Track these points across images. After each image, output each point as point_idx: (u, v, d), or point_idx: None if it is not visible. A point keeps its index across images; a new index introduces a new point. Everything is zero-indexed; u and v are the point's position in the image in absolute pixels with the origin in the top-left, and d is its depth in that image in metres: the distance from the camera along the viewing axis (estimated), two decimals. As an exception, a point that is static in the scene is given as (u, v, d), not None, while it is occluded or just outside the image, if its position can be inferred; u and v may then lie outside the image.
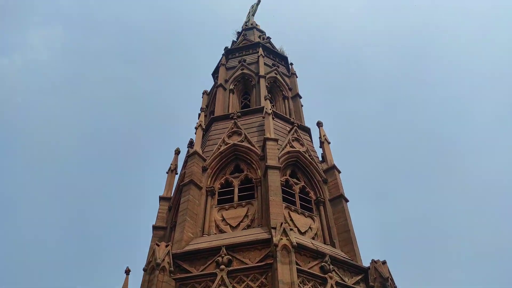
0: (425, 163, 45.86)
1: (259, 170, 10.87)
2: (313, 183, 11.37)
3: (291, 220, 9.81)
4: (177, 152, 13.53)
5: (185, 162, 11.90)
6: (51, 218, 43.39)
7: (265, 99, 13.41)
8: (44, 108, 50.69)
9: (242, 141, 11.80)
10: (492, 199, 41.08)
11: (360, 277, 8.78)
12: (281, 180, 10.39)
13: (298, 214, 10.17)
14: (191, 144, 12.81)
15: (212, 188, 10.73)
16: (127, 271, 9.19)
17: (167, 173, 12.87)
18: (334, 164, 12.08)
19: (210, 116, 14.31)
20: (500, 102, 44.71)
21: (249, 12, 23.64)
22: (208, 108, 15.69)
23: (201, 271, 8.16)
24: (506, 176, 40.21)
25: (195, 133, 12.68)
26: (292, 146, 11.88)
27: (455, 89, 49.10)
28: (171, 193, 12.09)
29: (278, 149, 11.32)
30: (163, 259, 7.97)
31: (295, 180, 11.18)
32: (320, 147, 13.21)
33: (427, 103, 48.98)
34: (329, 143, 13.19)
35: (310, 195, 11.04)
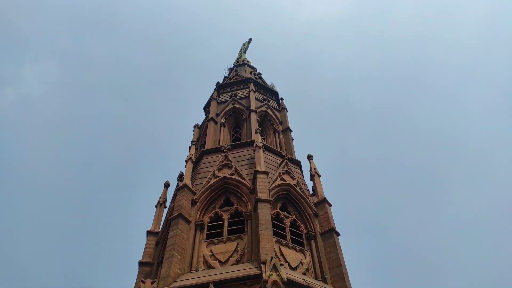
0: (416, 196, 45.95)
1: (249, 204, 10.77)
2: (304, 216, 11.25)
3: (282, 254, 9.60)
4: (167, 185, 13.38)
5: (174, 195, 11.75)
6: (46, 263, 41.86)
7: (256, 133, 13.54)
8: (35, 143, 50.30)
9: (232, 174, 11.76)
10: (484, 232, 40.93)
11: (352, 314, 8.50)
12: (271, 214, 10.27)
13: (289, 248, 9.97)
14: (180, 177, 12.72)
15: (201, 222, 10.54)
16: (110, 311, 8.76)
17: (155, 206, 12.65)
18: (324, 197, 12.03)
19: (201, 150, 14.33)
20: (490, 134, 45.65)
21: (241, 49, 24.40)
22: (199, 141, 15.75)
23: (188, 309, 7.83)
24: (497, 209, 40.42)
25: (185, 166, 12.61)
26: (282, 179, 11.85)
27: (444, 122, 50.17)
28: (159, 227, 11.83)
29: (269, 182, 11.29)
30: (148, 297, 7.66)
31: (285, 213, 11.06)
32: (311, 180, 13.20)
33: (417, 136, 49.83)
34: (319, 176, 13.21)
35: (301, 228, 10.89)
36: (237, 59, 23.26)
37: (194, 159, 13.03)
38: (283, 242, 9.98)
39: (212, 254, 9.59)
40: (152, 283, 7.97)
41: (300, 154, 14.93)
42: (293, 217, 11.08)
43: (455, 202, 42.81)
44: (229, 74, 20.76)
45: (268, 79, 20.01)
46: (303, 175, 13.50)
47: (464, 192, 43.39)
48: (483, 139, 45.83)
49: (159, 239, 11.18)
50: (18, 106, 51.63)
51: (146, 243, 11.09)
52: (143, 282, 7.96)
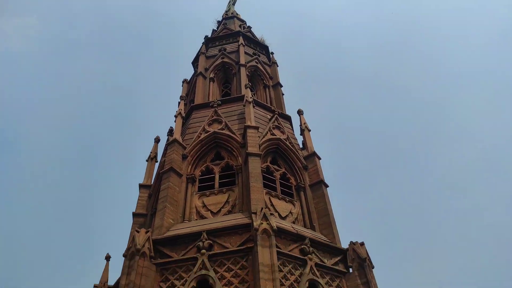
0: (407, 150, 46.93)
1: (240, 158, 10.91)
2: (293, 169, 11.49)
3: (272, 205, 9.92)
4: (157, 140, 13.39)
5: (165, 150, 11.80)
6: (40, 215, 42.52)
7: (246, 88, 13.41)
8: (17, 100, 49.09)
9: (222, 129, 11.78)
10: (475, 187, 42.58)
11: (339, 258, 8.98)
12: (261, 167, 10.46)
13: (279, 199, 10.28)
14: (171, 132, 12.70)
15: (193, 175, 10.70)
16: (107, 257, 9.10)
17: (146, 161, 12.74)
18: (314, 151, 12.24)
19: (190, 105, 14.20)
20: (483, 94, 45.84)
21: (230, 2, 23.44)
22: (188, 96, 15.56)
23: (182, 255, 8.17)
24: (489, 163, 41.81)
25: (175, 121, 12.58)
26: (273, 134, 11.95)
27: (437, 78, 50.17)
28: (151, 181, 11.99)
29: (259, 137, 11.38)
30: (143, 245, 7.93)
31: (276, 166, 11.27)
32: (301, 134, 13.35)
33: (409, 91, 49.90)
34: (309, 130, 13.34)
35: (290, 181, 11.17)
36: (226, 11, 22.41)
37: (183, 114, 12.96)
38: (273, 194, 10.27)
39: (204, 205, 9.85)
40: (146, 232, 8.22)
41: (290, 109, 14.96)
42: (283, 170, 11.31)
43: (449, 157, 43.96)
44: (217, 28, 20.10)
45: (258, 32, 19.47)
46: (293, 130, 13.60)
47: (452, 150, 44.52)
48: (471, 101, 46.20)
49: (151, 192, 11.39)
50: (-1, 61, 49.56)
51: (139, 196, 11.30)
52: (138, 232, 8.20)
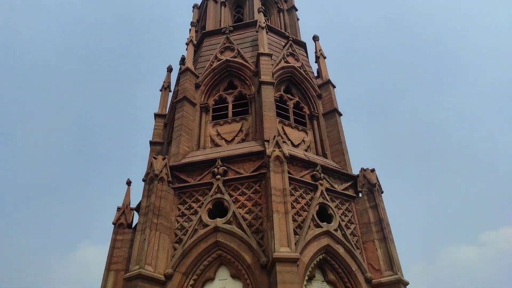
0: (423, 78, 45.42)
1: (253, 86, 10.79)
2: (307, 98, 11.38)
3: (285, 134, 10.03)
4: (169, 69, 13.26)
5: (178, 79, 11.74)
6: (53, 134, 44.45)
7: (259, 12, 12.75)
8: (34, 28, 48.31)
9: (235, 57, 11.50)
10: (489, 113, 41.69)
11: (349, 183, 9.28)
12: (275, 96, 10.37)
13: (292, 128, 10.36)
14: (183, 61, 12.51)
15: (206, 104, 10.75)
16: (128, 182, 9.65)
17: (160, 90, 12.78)
18: (329, 79, 11.96)
19: (201, 32, 13.72)
20: (502, 20, 42.64)
21: None
22: (199, 23, 14.97)
23: (198, 181, 8.58)
24: (505, 89, 40.33)
25: (187, 50, 12.29)
26: (286, 61, 11.62)
27: (456, 5, 46.46)
28: (165, 110, 12.16)
29: (272, 65, 11.10)
30: (161, 171, 8.33)
31: (289, 95, 11.16)
32: (316, 62, 12.95)
33: (428, 18, 46.74)
34: (324, 57, 12.89)
35: (304, 110, 11.13)
36: None
37: (195, 42, 12.60)
38: (286, 123, 10.33)
39: (218, 134, 10.05)
40: (163, 159, 8.56)
41: (305, 35, 14.34)
42: (297, 99, 11.21)
43: (465, 84, 42.53)
44: None
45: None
46: (308, 57, 13.17)
47: (476, 74, 42.76)
48: (496, 22, 42.92)
49: (166, 121, 11.61)
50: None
51: (154, 125, 11.56)
52: (155, 158, 8.55)
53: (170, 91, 12.68)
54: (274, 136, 8.57)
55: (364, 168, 9.34)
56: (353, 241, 8.26)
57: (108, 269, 8.35)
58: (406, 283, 7.86)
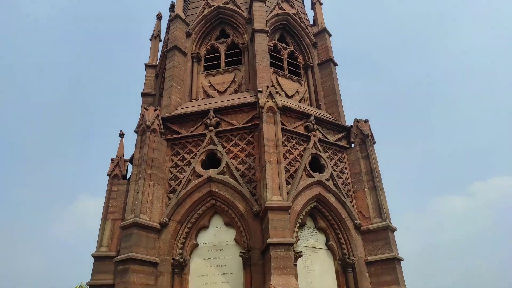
0: (421, 32, 44.16)
1: (245, 35, 10.40)
2: (302, 47, 11.03)
3: (279, 84, 9.85)
4: (159, 17, 12.68)
5: (168, 27, 11.24)
6: (47, 88, 43.80)
7: (252, -47, 11.92)
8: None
9: (227, 3, 10.95)
10: (482, 69, 41.14)
11: (342, 134, 9.30)
12: (268, 45, 10.03)
13: (286, 78, 10.15)
14: (172, 7, 11.92)
15: (198, 54, 10.41)
16: (121, 134, 9.60)
17: (150, 40, 12.31)
18: (325, 27, 11.54)
19: (191, -24, 12.91)
20: None
21: None
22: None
23: (190, 132, 8.54)
24: (498, 45, 39.48)
25: (176, -5, 11.64)
26: (281, 8, 11.10)
27: None
28: (156, 60, 11.80)
29: (266, 12, 10.63)
30: (153, 122, 8.25)
31: (283, 44, 10.79)
32: (312, 9, 12.39)
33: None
34: (321, 4, 12.34)
35: (298, 59, 10.83)
36: None
37: (185, -13, 11.92)
38: (280, 73, 10.09)
39: (211, 85, 9.85)
40: (155, 110, 8.45)
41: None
42: (291, 48, 10.87)
43: (460, 38, 41.49)
44: None
45: None
46: (303, 4, 12.59)
47: (466, 35, 41.53)
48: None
49: (157, 71, 11.31)
50: None
51: (145, 76, 11.27)
52: (146, 109, 8.43)
53: (161, 40, 12.22)
54: (268, 87, 8.41)
55: (358, 119, 9.31)
56: (344, 190, 8.44)
57: (105, 218, 8.56)
58: (394, 229, 8.16)
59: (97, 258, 8.04)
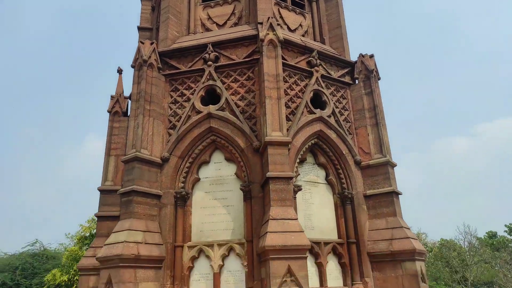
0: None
1: (246, -38, 9.63)
2: (307, -24, 10.28)
3: (281, 17, 9.35)
4: None
5: (163, -46, 10.43)
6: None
7: None
8: None
9: None
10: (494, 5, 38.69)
11: (346, 70, 8.99)
12: (271, -27, 9.33)
13: (289, 11, 9.61)
14: None
15: (195, -16, 9.77)
16: (120, 71, 9.38)
17: (144, -31, 11.50)
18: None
19: None
20: None
21: None
22: None
23: (189, 67, 8.28)
24: None
25: None
26: None
27: None
28: (151, -9, 11.14)
29: None
30: (149, 56, 7.98)
31: (287, -27, 10.05)
32: None
33: None
34: None
35: (303, -10, 10.16)
36: None
37: None
38: (283, 5, 9.53)
39: (209, 18, 9.37)
40: (151, 44, 8.13)
41: None
42: (295, -23, 10.13)
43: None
44: None
45: None
46: None
47: None
48: None
49: (153, 4, 10.73)
50: None
51: (141, 8, 10.69)
52: (142, 43, 8.11)
53: (156, -31, 11.41)
54: (268, 18, 7.97)
55: (363, 54, 8.93)
56: (345, 127, 8.36)
57: (108, 154, 8.68)
58: (394, 165, 8.21)
59: (103, 191, 8.30)
